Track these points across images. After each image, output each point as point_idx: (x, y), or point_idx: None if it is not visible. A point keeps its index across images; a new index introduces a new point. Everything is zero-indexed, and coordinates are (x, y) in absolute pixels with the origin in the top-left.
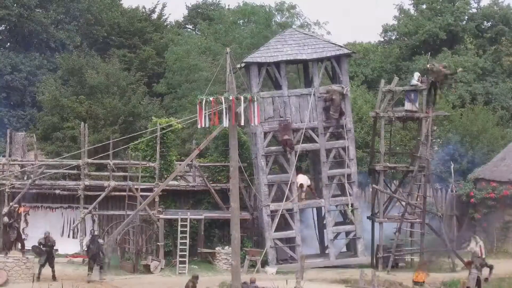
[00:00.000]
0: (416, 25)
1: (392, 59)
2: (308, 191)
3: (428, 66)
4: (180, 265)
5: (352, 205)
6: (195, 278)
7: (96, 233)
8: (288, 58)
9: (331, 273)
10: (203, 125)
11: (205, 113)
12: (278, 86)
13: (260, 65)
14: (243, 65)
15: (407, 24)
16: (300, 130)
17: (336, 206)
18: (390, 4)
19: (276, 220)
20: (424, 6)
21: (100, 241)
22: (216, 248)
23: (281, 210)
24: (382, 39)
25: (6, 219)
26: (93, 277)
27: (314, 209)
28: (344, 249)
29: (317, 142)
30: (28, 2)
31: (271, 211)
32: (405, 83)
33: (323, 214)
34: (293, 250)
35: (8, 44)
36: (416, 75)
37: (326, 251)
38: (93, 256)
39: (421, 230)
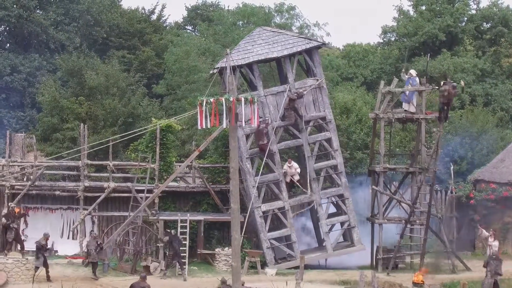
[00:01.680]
0: (416, 27)
1: (391, 60)
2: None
3: (441, 89)
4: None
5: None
6: (223, 283)
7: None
8: (259, 58)
9: (331, 274)
10: (203, 126)
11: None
12: (253, 87)
13: (232, 68)
14: (215, 71)
15: (406, 25)
16: (280, 128)
17: (327, 198)
18: (390, 5)
19: (269, 221)
20: (424, 8)
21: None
22: (216, 249)
23: (272, 210)
24: (382, 41)
25: (4, 220)
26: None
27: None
28: (341, 239)
29: (299, 138)
30: (27, 3)
31: (263, 212)
32: (405, 85)
33: (316, 208)
34: (290, 247)
35: (8, 45)
36: (409, 72)
37: (323, 244)
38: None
39: (424, 236)
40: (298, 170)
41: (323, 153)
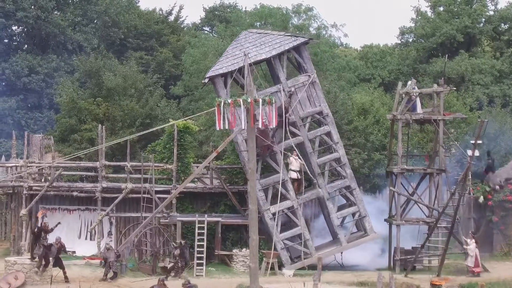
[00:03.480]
0: (433, 28)
1: (409, 61)
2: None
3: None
4: (198, 267)
5: None
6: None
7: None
8: (249, 62)
9: (348, 275)
10: (221, 127)
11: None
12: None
13: (223, 76)
14: (206, 80)
15: (424, 26)
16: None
17: (335, 191)
18: (407, 6)
19: (279, 222)
20: (442, 8)
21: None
22: (233, 250)
23: (281, 211)
24: (399, 41)
25: (35, 230)
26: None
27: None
28: (355, 229)
29: (299, 135)
30: (45, 5)
31: (273, 214)
32: (423, 86)
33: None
34: (304, 245)
35: (26, 46)
36: (412, 82)
37: (337, 237)
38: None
39: (447, 239)
40: (302, 162)
41: (325, 147)
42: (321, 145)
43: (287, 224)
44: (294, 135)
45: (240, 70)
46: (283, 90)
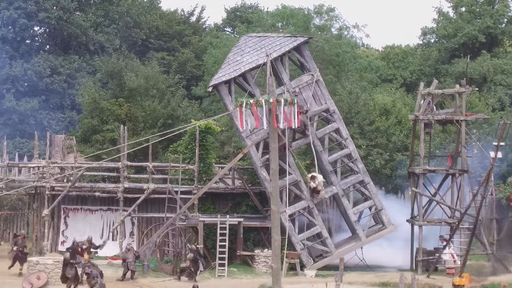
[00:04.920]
0: (455, 28)
1: (431, 62)
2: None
3: None
4: (220, 268)
5: None
6: None
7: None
8: (251, 66)
9: (370, 276)
10: (243, 127)
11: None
12: (252, 95)
13: (227, 83)
14: (210, 89)
15: (446, 27)
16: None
17: (349, 187)
18: (429, 7)
19: (296, 223)
20: (463, 9)
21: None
22: (255, 251)
23: (297, 212)
24: (421, 42)
25: (68, 255)
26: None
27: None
28: (373, 223)
29: (307, 135)
30: (67, 5)
31: (289, 216)
32: (445, 86)
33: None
34: (323, 244)
35: (48, 47)
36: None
37: (356, 233)
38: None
39: (470, 240)
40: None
41: (334, 144)
42: (332, 142)
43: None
44: (303, 134)
45: (244, 76)
46: (288, 91)
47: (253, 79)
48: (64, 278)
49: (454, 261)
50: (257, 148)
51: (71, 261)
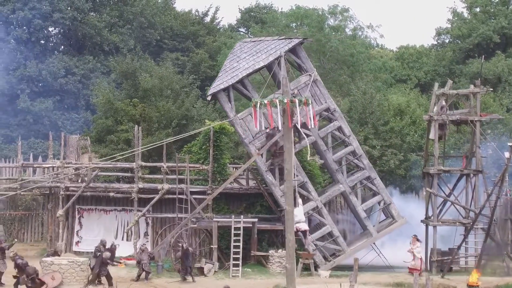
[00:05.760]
0: (470, 28)
1: (445, 62)
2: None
3: None
4: (234, 268)
5: None
6: None
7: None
8: (248, 72)
9: (385, 277)
10: (258, 127)
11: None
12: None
13: (225, 90)
14: (209, 98)
15: (460, 27)
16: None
17: (355, 184)
18: (444, 7)
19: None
20: (478, 9)
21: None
22: (270, 251)
23: (306, 213)
24: (436, 42)
25: (108, 254)
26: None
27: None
28: (383, 217)
29: (310, 135)
30: (82, 6)
31: None
32: (459, 87)
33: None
34: (335, 242)
35: (62, 47)
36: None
37: (367, 229)
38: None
39: (484, 240)
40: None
41: (338, 143)
42: (336, 139)
43: (317, 225)
44: (305, 135)
45: (242, 82)
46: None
47: (251, 84)
48: (96, 275)
49: (414, 259)
50: (262, 154)
51: (109, 261)
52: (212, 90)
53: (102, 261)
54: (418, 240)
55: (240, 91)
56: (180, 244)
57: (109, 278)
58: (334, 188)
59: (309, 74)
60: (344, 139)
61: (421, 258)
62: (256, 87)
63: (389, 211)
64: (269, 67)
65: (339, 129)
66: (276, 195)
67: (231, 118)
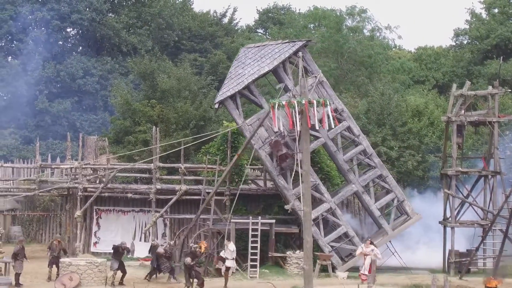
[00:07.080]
0: (488, 29)
1: (463, 63)
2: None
3: None
4: (252, 269)
5: None
6: None
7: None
8: (254, 78)
9: (402, 278)
10: (276, 128)
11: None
12: (260, 106)
13: (232, 97)
14: (216, 106)
15: (478, 28)
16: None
17: (368, 183)
18: (462, 8)
19: (321, 226)
20: (496, 10)
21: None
22: (287, 252)
23: (320, 215)
24: (454, 43)
25: (189, 260)
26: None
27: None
28: (398, 214)
29: (320, 137)
30: (100, 7)
31: (313, 220)
32: (477, 88)
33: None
34: (351, 243)
35: (80, 48)
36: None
37: (382, 227)
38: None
39: (502, 242)
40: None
41: (348, 143)
42: (346, 140)
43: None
44: (314, 137)
45: (248, 88)
46: (294, 96)
47: (257, 89)
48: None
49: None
50: (272, 158)
51: (193, 266)
52: (219, 97)
53: (187, 267)
54: (371, 242)
55: (247, 97)
56: (170, 242)
57: (198, 277)
58: (346, 188)
59: (315, 76)
60: (354, 139)
61: (371, 264)
62: (264, 92)
63: (403, 208)
64: (274, 71)
65: (348, 129)
66: (289, 199)
67: (240, 124)
